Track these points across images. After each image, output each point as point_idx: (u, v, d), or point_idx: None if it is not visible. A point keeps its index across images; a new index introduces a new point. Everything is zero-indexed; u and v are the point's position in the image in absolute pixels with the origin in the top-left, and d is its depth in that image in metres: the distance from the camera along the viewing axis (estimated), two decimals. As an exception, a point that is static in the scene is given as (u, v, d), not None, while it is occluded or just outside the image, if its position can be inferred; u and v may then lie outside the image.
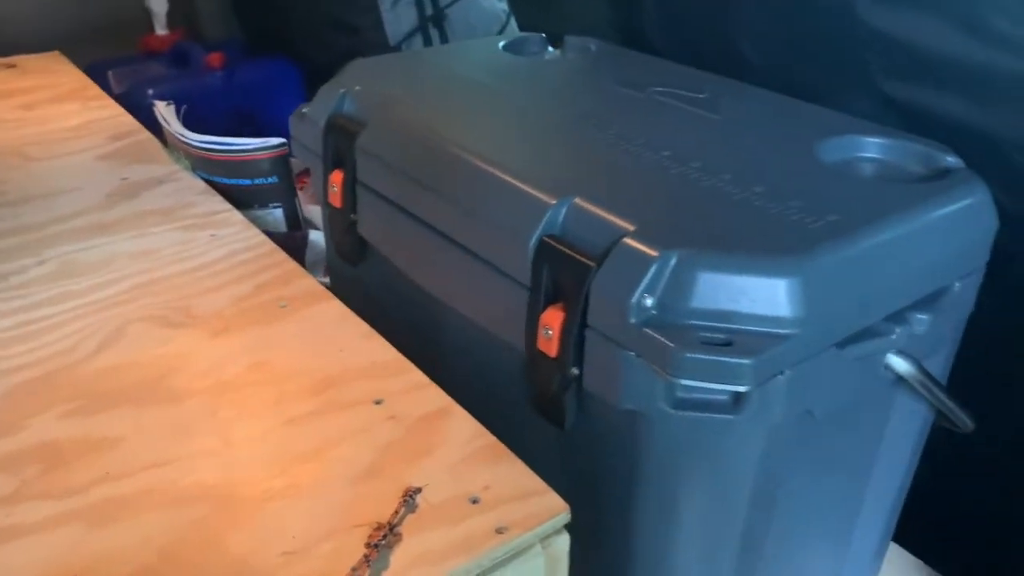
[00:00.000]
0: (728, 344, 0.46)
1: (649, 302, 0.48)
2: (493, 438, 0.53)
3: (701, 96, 0.71)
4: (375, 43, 1.31)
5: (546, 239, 0.54)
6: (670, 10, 0.86)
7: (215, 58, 1.44)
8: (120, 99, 1.16)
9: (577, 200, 0.54)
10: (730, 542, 0.56)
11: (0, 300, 0.66)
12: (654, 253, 0.48)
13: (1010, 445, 0.73)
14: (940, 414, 0.61)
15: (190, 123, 0.94)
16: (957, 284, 0.57)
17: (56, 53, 1.31)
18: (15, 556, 0.44)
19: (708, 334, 0.47)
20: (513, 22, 1.37)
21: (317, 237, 0.98)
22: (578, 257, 0.51)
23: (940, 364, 0.62)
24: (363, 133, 0.70)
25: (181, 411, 0.55)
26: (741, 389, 0.46)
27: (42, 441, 0.52)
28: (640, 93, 0.73)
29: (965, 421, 0.59)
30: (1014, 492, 0.76)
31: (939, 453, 0.71)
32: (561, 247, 0.53)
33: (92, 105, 1.10)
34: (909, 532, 0.74)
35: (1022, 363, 0.71)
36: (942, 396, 0.56)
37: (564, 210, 0.54)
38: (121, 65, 1.47)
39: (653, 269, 0.48)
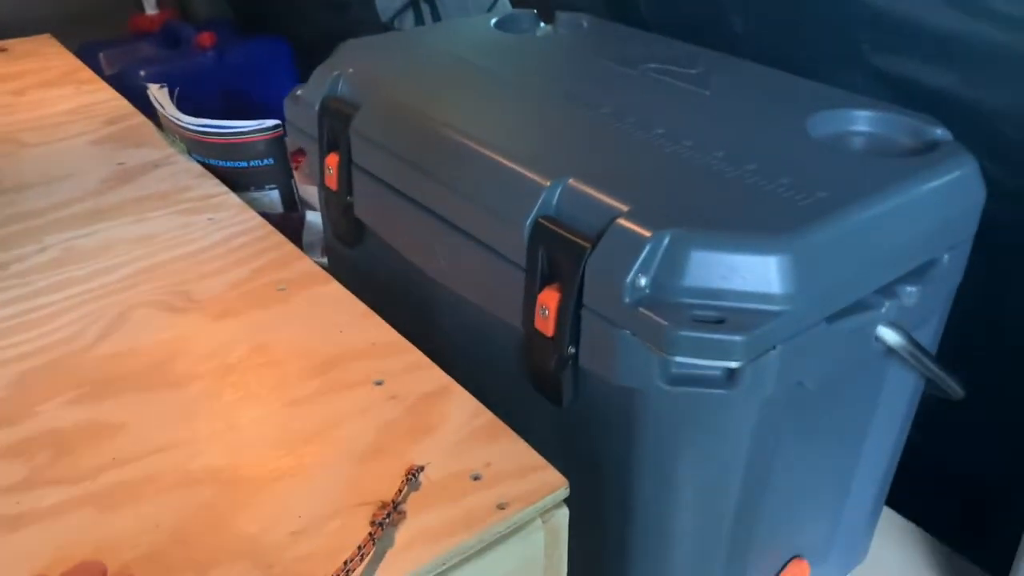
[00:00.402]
0: (721, 321, 0.47)
1: (643, 281, 0.49)
2: (493, 416, 0.54)
3: (693, 72, 0.72)
4: (366, 20, 1.31)
5: (541, 220, 0.54)
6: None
7: (205, 38, 1.44)
8: (112, 81, 1.16)
9: (571, 181, 0.55)
10: (726, 513, 0.57)
11: (1, 288, 0.67)
12: (647, 233, 0.49)
13: (998, 409, 0.74)
14: (931, 382, 0.62)
15: (183, 103, 0.95)
16: (946, 256, 0.58)
17: (47, 36, 1.30)
18: (29, 542, 0.45)
19: (701, 312, 0.48)
20: (505, -4, 1.37)
21: (314, 217, 0.99)
22: (573, 238, 0.52)
23: (930, 334, 0.63)
24: (357, 115, 0.70)
25: (185, 395, 0.56)
26: (733, 365, 0.48)
27: (50, 428, 0.53)
28: (632, 70, 0.73)
29: (956, 388, 0.61)
30: (1002, 455, 0.78)
31: (930, 418, 0.72)
32: (556, 228, 0.53)
33: (85, 89, 1.10)
34: (902, 495, 0.76)
35: (1010, 331, 0.72)
36: (932, 365, 0.58)
37: (558, 191, 0.55)
38: (112, 47, 1.46)
39: (647, 249, 0.49)
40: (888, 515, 0.78)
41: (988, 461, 0.80)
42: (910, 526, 0.81)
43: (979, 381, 0.63)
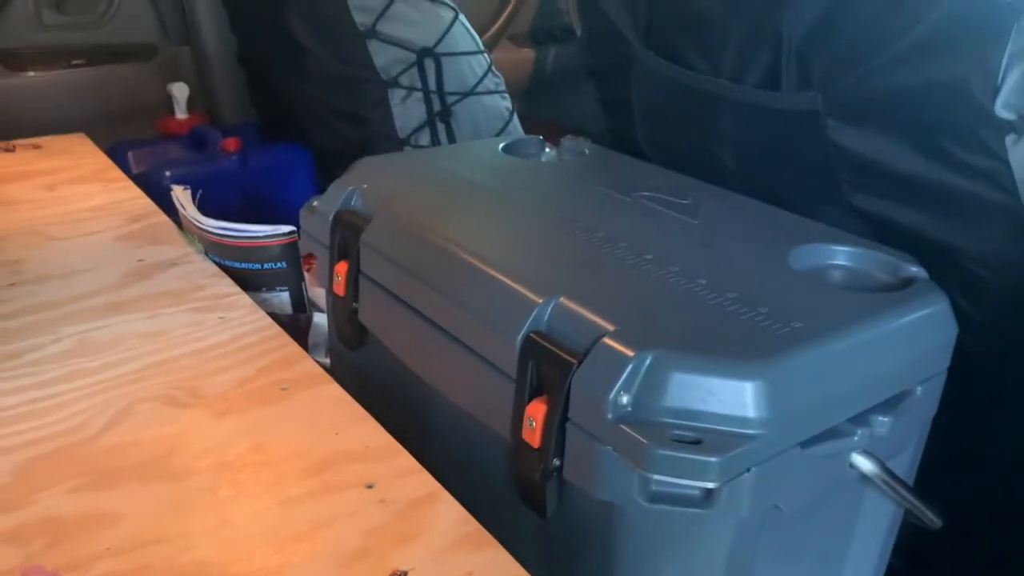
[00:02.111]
0: (698, 442, 0.49)
1: (625, 399, 0.51)
2: (478, 525, 0.55)
3: (684, 202, 0.76)
4: (384, 135, 1.38)
5: (532, 335, 0.57)
6: (655, 121, 0.92)
7: (231, 142, 1.51)
8: (139, 179, 1.22)
9: (562, 299, 0.58)
10: (704, 632, 0.58)
11: (14, 377, 0.70)
12: (630, 353, 0.52)
13: (981, 535, 0.75)
14: (908, 511, 0.64)
15: (205, 204, 1.00)
16: (919, 388, 0.61)
17: (81, 135, 1.37)
18: (19, 627, 0.47)
19: (680, 432, 0.50)
20: (516, 119, 1.45)
21: (320, 319, 1.02)
22: (561, 354, 0.55)
23: (906, 462, 0.65)
24: (368, 228, 0.75)
25: (182, 489, 0.58)
26: (709, 485, 0.49)
27: (48, 516, 0.55)
28: (627, 197, 0.78)
29: (932, 519, 0.62)
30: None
31: (912, 544, 0.73)
32: (546, 343, 0.56)
33: (112, 187, 1.15)
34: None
35: (989, 460, 0.74)
36: (906, 494, 0.59)
37: (550, 308, 0.58)
38: (141, 147, 1.54)
39: (629, 368, 0.51)
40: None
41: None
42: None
43: (959, 511, 0.64)
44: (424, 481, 0.59)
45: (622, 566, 0.56)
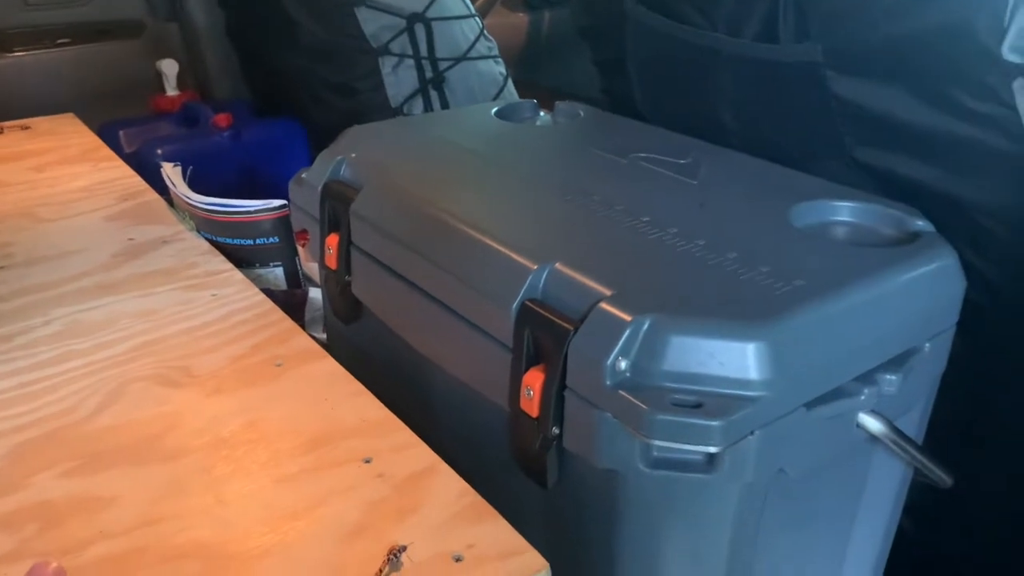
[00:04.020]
0: (698, 406, 0.48)
1: (623, 365, 0.50)
2: (478, 496, 0.54)
3: (682, 162, 0.74)
4: (377, 104, 1.36)
5: (528, 303, 0.56)
6: (651, 80, 0.89)
7: (222, 118, 1.49)
8: (130, 158, 1.20)
9: (558, 265, 0.56)
10: (711, 598, 0.57)
11: (5, 360, 0.69)
12: (628, 317, 0.50)
13: (991, 495, 0.74)
14: (918, 470, 0.63)
15: (197, 182, 0.98)
16: (927, 345, 0.59)
17: (70, 115, 1.35)
18: (12, 613, 0.46)
19: (680, 396, 0.49)
20: (510, 84, 1.42)
21: (316, 294, 1.01)
22: (557, 321, 0.54)
23: (915, 421, 0.64)
24: (358, 198, 0.73)
25: (176, 469, 0.57)
26: (712, 450, 0.48)
27: (41, 500, 0.54)
28: (623, 159, 0.76)
29: (942, 477, 0.61)
30: (999, 542, 0.77)
31: (922, 504, 0.72)
32: (542, 311, 0.55)
33: (102, 166, 1.14)
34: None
35: (997, 415, 0.73)
36: (916, 453, 0.58)
37: (545, 275, 0.56)
38: (132, 125, 1.52)
39: (627, 333, 0.50)
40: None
41: (985, 549, 0.79)
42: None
43: (969, 470, 0.63)
44: (422, 454, 0.58)
45: (626, 534, 0.55)
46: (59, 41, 1.60)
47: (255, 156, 1.50)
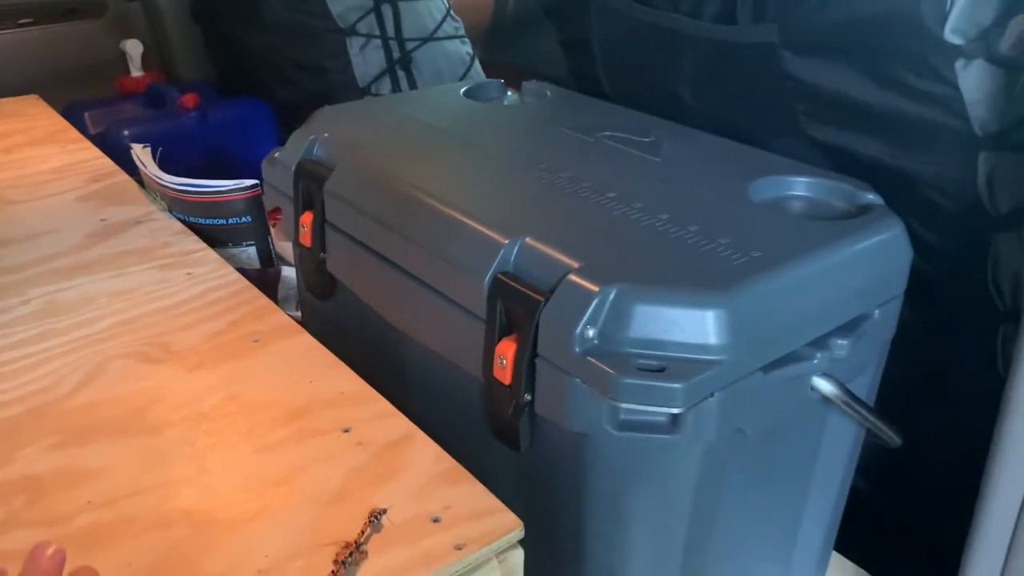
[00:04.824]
0: (662, 370, 0.51)
1: (591, 333, 0.52)
2: (453, 462, 0.57)
3: (645, 140, 0.77)
4: (344, 84, 1.36)
5: (499, 276, 0.58)
6: (615, 60, 0.91)
7: (189, 99, 1.48)
8: (96, 140, 1.20)
9: (528, 239, 0.59)
10: (676, 553, 0.60)
11: (-16, 340, 0.70)
12: (595, 288, 0.53)
13: (940, 455, 0.78)
14: (870, 431, 0.66)
15: (166, 162, 0.98)
16: (876, 311, 0.63)
17: (34, 96, 1.34)
18: (6, 579, 0.47)
19: (644, 361, 0.52)
20: (477, 64, 1.43)
21: (289, 273, 1.02)
22: (528, 292, 0.56)
23: (866, 384, 0.67)
24: (331, 177, 0.74)
25: (159, 442, 0.59)
26: (675, 411, 0.51)
27: (27, 474, 0.56)
28: (590, 138, 0.78)
29: (892, 437, 0.65)
30: (947, 498, 0.81)
31: (875, 464, 0.76)
32: (513, 283, 0.57)
33: (70, 148, 1.14)
34: (849, 540, 0.79)
35: (944, 378, 0.77)
36: (867, 415, 0.62)
37: (516, 249, 0.59)
38: (97, 107, 1.50)
39: (594, 303, 0.52)
40: (837, 560, 0.81)
41: (935, 506, 0.83)
42: (859, 571, 0.84)
43: (919, 431, 0.67)
44: (400, 423, 0.60)
45: (595, 494, 0.58)
46: (21, 21, 1.58)
47: (222, 136, 1.49)
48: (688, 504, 0.58)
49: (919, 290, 0.67)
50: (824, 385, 0.59)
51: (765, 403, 0.56)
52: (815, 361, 0.57)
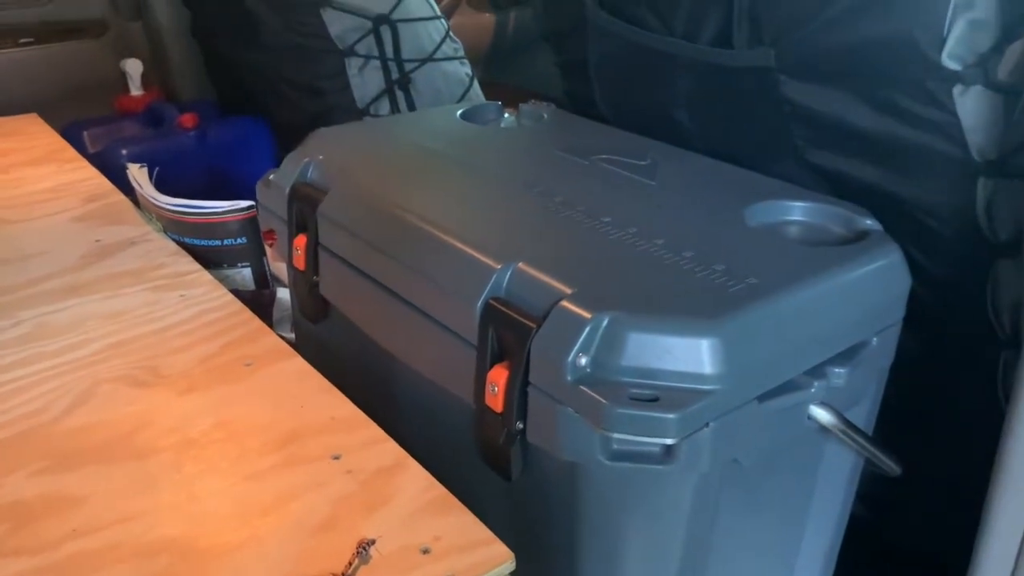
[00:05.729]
0: (655, 400, 0.50)
1: (584, 361, 0.52)
2: (444, 490, 0.56)
3: (641, 163, 0.76)
4: (343, 105, 1.36)
5: (491, 301, 0.58)
6: (612, 82, 0.91)
7: (188, 118, 1.49)
8: (95, 159, 1.20)
9: (520, 264, 0.58)
10: (670, 585, 0.59)
11: (-28, 363, 0.69)
12: (588, 315, 0.52)
13: (941, 483, 0.77)
14: (869, 460, 0.65)
15: (163, 181, 0.98)
16: (874, 339, 0.62)
17: (33, 115, 1.34)
18: (-15, 611, 0.47)
19: (638, 390, 0.51)
20: (476, 85, 1.43)
21: (284, 294, 1.01)
22: (520, 319, 0.55)
23: (864, 413, 0.67)
24: (325, 200, 0.74)
25: (147, 467, 0.58)
26: (668, 442, 0.50)
27: (13, 500, 0.55)
28: (585, 161, 0.78)
29: (891, 466, 0.64)
30: (949, 527, 0.80)
31: (875, 492, 0.75)
32: (505, 309, 0.57)
33: (67, 167, 1.13)
34: (849, 569, 0.78)
35: (944, 405, 0.76)
36: (865, 444, 0.61)
37: (508, 274, 0.58)
38: (96, 125, 1.51)
39: (587, 330, 0.52)
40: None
41: (936, 537, 0.82)
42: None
43: (918, 459, 0.66)
44: (390, 450, 0.60)
45: (587, 524, 0.57)
46: (21, 41, 1.58)
47: (221, 156, 1.50)
48: (682, 535, 0.57)
49: (918, 317, 0.66)
50: (821, 414, 0.58)
51: (761, 433, 0.55)
52: (812, 390, 0.57)
